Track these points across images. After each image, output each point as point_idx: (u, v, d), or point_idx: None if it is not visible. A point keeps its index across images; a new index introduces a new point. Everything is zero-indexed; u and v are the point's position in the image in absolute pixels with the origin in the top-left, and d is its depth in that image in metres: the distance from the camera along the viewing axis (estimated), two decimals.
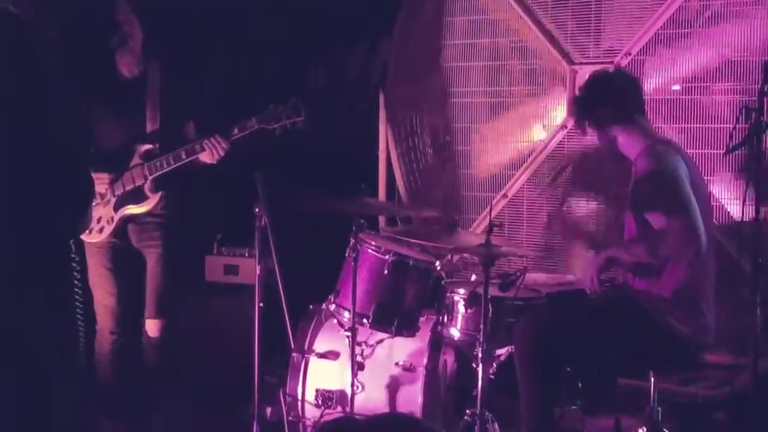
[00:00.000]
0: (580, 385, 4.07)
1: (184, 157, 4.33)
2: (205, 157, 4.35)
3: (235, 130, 4.33)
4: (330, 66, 6.37)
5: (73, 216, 1.95)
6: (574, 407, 4.12)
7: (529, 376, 3.97)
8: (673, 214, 3.81)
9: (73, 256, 4.48)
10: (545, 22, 5.49)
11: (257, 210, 4.29)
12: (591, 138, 4.63)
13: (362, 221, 4.32)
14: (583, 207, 5.47)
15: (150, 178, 4.35)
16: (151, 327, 4.53)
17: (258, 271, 4.33)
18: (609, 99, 4.12)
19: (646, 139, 4.04)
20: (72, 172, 1.89)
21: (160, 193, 4.40)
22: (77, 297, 4.53)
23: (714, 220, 4.92)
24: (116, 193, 4.37)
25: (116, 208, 4.38)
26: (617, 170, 4.76)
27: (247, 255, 5.50)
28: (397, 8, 5.94)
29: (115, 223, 4.38)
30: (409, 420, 4.12)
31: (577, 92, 4.30)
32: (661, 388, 3.81)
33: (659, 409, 3.82)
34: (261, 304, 4.32)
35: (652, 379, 3.82)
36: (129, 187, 4.36)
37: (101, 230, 4.40)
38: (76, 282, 4.51)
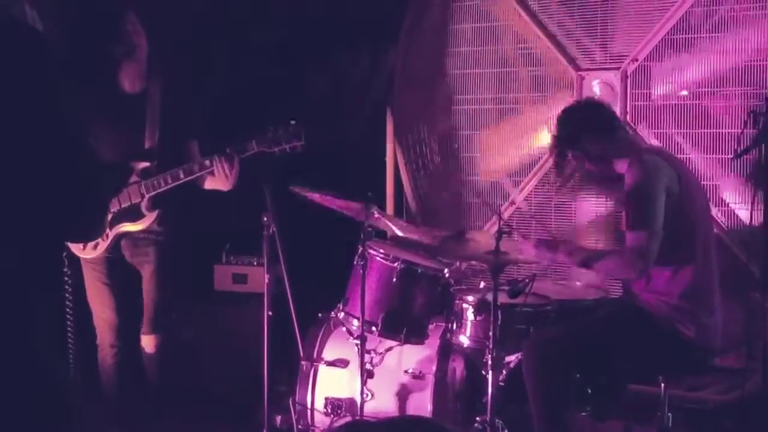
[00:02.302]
0: (589, 391, 4.06)
1: (182, 176, 4.29)
2: (219, 183, 4.32)
3: (239, 150, 4.29)
4: (334, 74, 6.37)
5: (92, 222, 1.91)
6: (583, 413, 4.11)
7: (538, 383, 3.97)
8: (634, 228, 3.84)
9: (65, 270, 4.50)
10: (551, 28, 5.49)
11: (265, 219, 4.30)
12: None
13: (370, 229, 4.32)
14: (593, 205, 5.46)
15: (147, 196, 4.33)
16: (147, 343, 4.54)
17: (266, 280, 4.34)
18: (588, 126, 4.15)
19: (632, 149, 4.05)
20: (89, 179, 1.86)
21: (156, 212, 4.37)
22: (68, 311, 4.55)
23: (722, 224, 4.92)
24: (112, 210, 4.34)
25: (111, 225, 4.35)
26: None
27: (255, 264, 5.51)
28: (402, 15, 5.94)
29: (110, 239, 4.37)
30: (424, 421, 4.12)
31: (554, 133, 4.31)
32: (672, 394, 3.80)
33: (669, 414, 3.80)
34: (270, 313, 4.32)
35: (662, 385, 3.81)
36: (125, 204, 4.32)
37: (96, 246, 4.38)
38: (67, 295, 4.53)
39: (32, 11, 3.63)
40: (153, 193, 4.30)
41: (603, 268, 4.07)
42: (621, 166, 4.09)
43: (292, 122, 4.24)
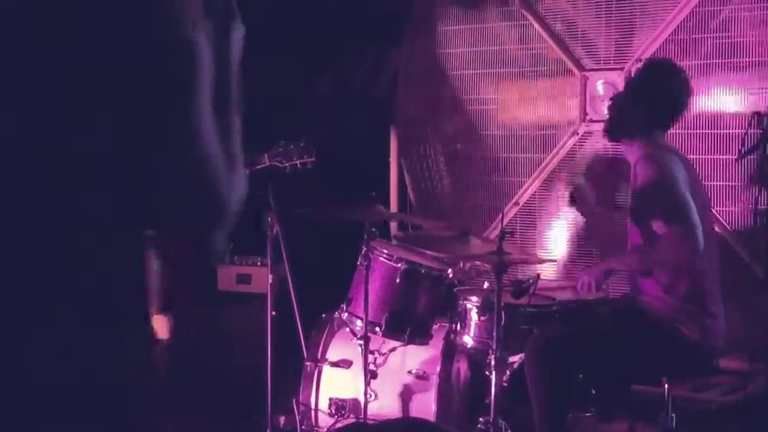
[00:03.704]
0: (593, 392, 4.06)
1: None
2: None
3: (252, 163, 4.33)
4: (338, 73, 6.37)
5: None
6: (587, 414, 4.11)
7: (542, 384, 3.97)
8: (672, 221, 3.80)
9: None
10: (556, 29, 5.49)
11: (269, 218, 4.30)
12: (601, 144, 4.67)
13: (374, 229, 4.32)
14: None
15: None
16: (158, 326, 4.51)
17: (270, 280, 4.35)
18: (655, 103, 4.06)
19: (646, 144, 4.01)
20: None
21: None
22: None
23: (726, 225, 4.92)
24: None
25: None
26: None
27: (259, 264, 5.50)
28: (406, 15, 5.94)
29: None
30: (422, 423, 4.12)
31: (632, 75, 4.22)
32: (675, 395, 3.80)
33: (673, 415, 3.81)
34: (273, 313, 4.33)
35: (666, 386, 3.81)
36: None
37: None
38: None
39: None
40: None
41: (659, 258, 3.91)
42: (629, 155, 4.07)
43: (304, 140, 4.30)
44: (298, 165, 4.32)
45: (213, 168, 1.44)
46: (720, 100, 5.01)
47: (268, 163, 4.32)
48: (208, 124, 1.46)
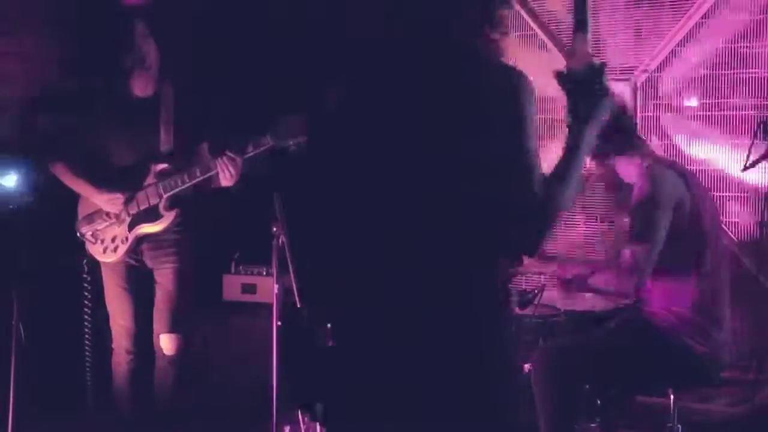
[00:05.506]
0: (599, 402, 4.05)
1: (198, 174, 4.29)
2: (223, 180, 4.30)
3: (250, 148, 4.27)
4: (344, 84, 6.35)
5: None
6: (593, 425, 4.10)
7: (548, 393, 3.96)
8: (633, 242, 3.75)
9: (85, 276, 4.51)
10: (561, 39, 5.49)
11: (275, 229, 4.29)
12: None
13: None
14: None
15: (165, 196, 4.34)
16: (167, 344, 4.49)
17: (276, 290, 4.33)
18: (615, 126, 4.09)
19: (644, 159, 3.97)
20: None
21: (174, 211, 4.37)
22: (87, 317, 4.55)
23: (732, 236, 4.91)
24: (131, 212, 4.35)
25: (131, 227, 4.36)
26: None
27: (264, 274, 5.50)
28: None
29: (129, 242, 4.38)
30: None
31: None
32: (681, 406, 3.79)
33: (679, 426, 3.80)
34: (279, 323, 4.32)
35: (672, 397, 3.80)
36: (143, 206, 4.34)
37: (116, 249, 4.39)
38: (86, 302, 4.53)
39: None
40: (171, 192, 4.31)
41: (599, 283, 3.94)
42: (630, 175, 4.05)
43: (296, 116, 4.20)
44: (302, 144, 4.21)
45: (535, 178, 2.06)
46: (726, 110, 5.01)
47: (271, 143, 4.25)
48: (534, 146, 2.14)
